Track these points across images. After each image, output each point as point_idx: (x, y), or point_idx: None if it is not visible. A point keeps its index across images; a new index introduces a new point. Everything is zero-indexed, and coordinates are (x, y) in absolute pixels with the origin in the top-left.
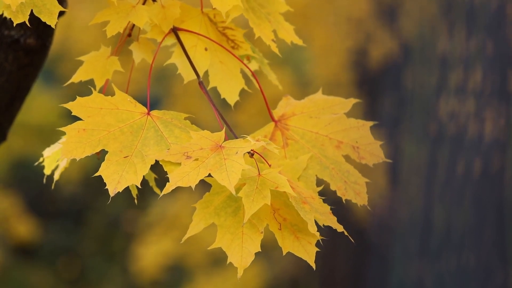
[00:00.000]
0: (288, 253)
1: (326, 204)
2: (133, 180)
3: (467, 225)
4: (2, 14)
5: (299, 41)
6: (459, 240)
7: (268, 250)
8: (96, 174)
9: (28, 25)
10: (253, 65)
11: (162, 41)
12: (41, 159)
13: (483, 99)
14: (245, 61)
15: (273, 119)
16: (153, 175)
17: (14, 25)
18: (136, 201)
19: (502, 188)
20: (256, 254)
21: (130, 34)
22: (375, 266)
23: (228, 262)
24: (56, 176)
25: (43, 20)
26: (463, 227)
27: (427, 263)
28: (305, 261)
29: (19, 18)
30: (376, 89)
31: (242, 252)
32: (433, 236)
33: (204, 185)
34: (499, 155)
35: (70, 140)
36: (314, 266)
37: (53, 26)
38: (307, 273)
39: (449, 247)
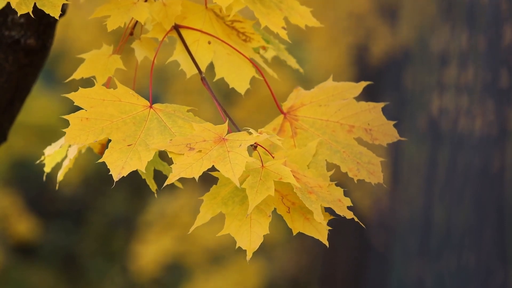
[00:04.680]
0: (289, 252)
1: (338, 188)
2: (137, 165)
3: (467, 225)
4: (3, 14)
5: (316, 23)
6: (459, 240)
7: (269, 249)
8: (100, 161)
9: (32, 16)
10: (270, 53)
11: (163, 38)
12: (42, 158)
13: (483, 98)
14: (262, 52)
15: (281, 112)
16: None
17: (18, 15)
18: (156, 195)
19: (502, 188)
20: (256, 253)
21: (132, 32)
22: (375, 266)
23: (236, 247)
24: (59, 177)
25: (46, 12)
26: (463, 227)
27: (427, 263)
28: (306, 261)
29: (23, 9)
30: (377, 88)
31: (250, 236)
32: (433, 236)
33: (205, 184)
34: (500, 154)
35: (73, 128)
36: (327, 243)
37: (56, 18)
38: (307, 273)
39: (449, 247)
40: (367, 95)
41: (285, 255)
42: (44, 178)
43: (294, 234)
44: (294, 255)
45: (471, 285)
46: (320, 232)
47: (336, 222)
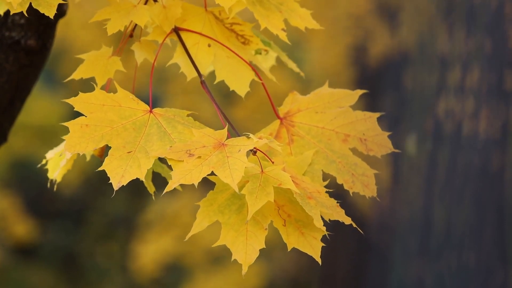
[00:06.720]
0: (289, 252)
1: (332, 199)
2: (137, 174)
3: (467, 225)
4: (2, 15)
5: (315, 25)
6: (459, 240)
7: (269, 249)
8: (100, 169)
9: (26, 15)
10: (271, 55)
11: (163, 41)
12: (44, 161)
13: (483, 98)
14: (263, 53)
15: (278, 117)
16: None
17: (11, 13)
18: (153, 197)
19: (502, 188)
20: None
21: (132, 34)
22: (375, 266)
23: (232, 259)
24: (58, 178)
25: (41, 11)
26: (463, 227)
27: (427, 263)
28: (306, 261)
29: (17, 9)
30: (376, 89)
31: (246, 249)
32: (433, 236)
33: (205, 184)
34: (499, 154)
35: (73, 135)
36: (320, 261)
37: (51, 17)
38: (307, 273)
39: (449, 247)
40: (367, 95)
41: (285, 255)
42: (49, 184)
43: (289, 249)
44: (294, 255)
45: (471, 285)
46: (314, 248)
47: (337, 222)
